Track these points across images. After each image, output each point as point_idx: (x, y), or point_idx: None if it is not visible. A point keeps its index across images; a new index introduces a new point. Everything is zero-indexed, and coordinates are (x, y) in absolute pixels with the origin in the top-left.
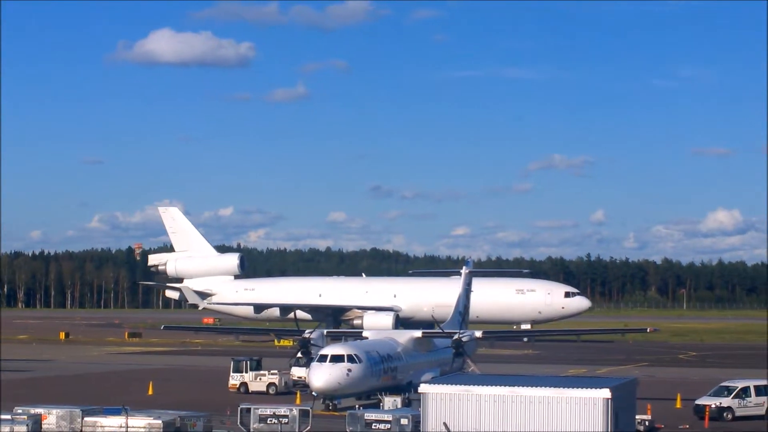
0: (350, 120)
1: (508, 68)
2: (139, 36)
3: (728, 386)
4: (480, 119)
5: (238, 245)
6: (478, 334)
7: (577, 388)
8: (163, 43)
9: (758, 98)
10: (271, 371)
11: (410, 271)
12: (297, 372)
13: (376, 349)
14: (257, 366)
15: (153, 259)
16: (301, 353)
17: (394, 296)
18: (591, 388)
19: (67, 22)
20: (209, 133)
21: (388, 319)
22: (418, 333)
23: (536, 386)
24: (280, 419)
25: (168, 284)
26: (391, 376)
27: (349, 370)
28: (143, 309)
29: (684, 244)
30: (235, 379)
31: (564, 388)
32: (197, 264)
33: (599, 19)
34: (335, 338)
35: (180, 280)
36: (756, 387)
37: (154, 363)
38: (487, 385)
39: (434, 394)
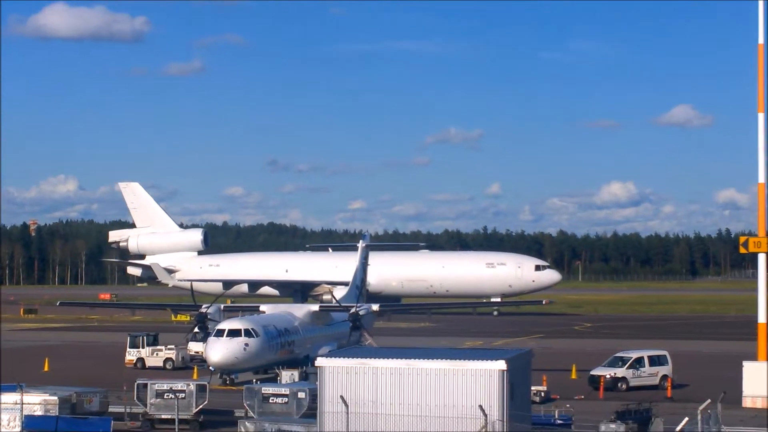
0: (246, 94)
1: (404, 41)
2: (32, 10)
3: (622, 357)
4: (376, 93)
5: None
6: (375, 307)
7: (473, 360)
8: (57, 18)
9: (647, 70)
10: (168, 346)
11: (307, 246)
12: (194, 347)
13: (274, 323)
14: (154, 341)
15: (113, 236)
16: (198, 328)
17: None
18: (487, 360)
19: None
20: (105, 107)
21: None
22: (315, 307)
23: (432, 359)
24: (177, 394)
25: (131, 260)
26: (288, 350)
27: (246, 345)
28: (39, 285)
29: (579, 216)
30: (131, 355)
31: (460, 360)
32: (160, 240)
33: None
34: (232, 313)
35: (142, 256)
36: (650, 357)
37: (50, 339)
38: (383, 358)
39: (331, 367)
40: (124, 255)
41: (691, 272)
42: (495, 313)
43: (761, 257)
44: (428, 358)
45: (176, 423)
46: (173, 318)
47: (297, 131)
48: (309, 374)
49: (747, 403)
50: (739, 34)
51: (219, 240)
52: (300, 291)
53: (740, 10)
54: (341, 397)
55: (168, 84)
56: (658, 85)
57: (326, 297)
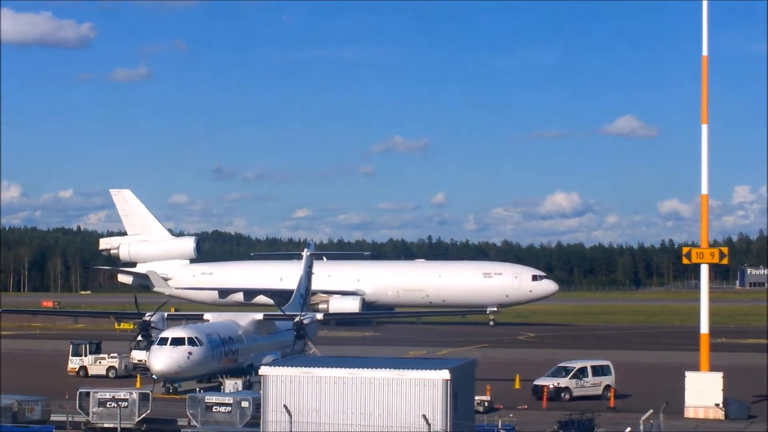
0: (191, 101)
1: (350, 48)
2: None
3: (566, 367)
4: (322, 100)
5: (78, 227)
6: (319, 316)
7: (417, 369)
8: (3, 24)
9: (592, 80)
10: (111, 354)
11: (252, 254)
12: (137, 355)
13: (217, 331)
14: (97, 349)
15: (104, 243)
16: (142, 336)
17: (358, 280)
18: (430, 369)
19: None
20: (50, 113)
21: (354, 303)
22: (259, 315)
23: (376, 368)
24: (120, 403)
25: (123, 268)
26: (232, 359)
27: (190, 353)
28: None
29: (523, 226)
30: (74, 363)
31: (404, 369)
32: (152, 248)
33: None
34: (176, 321)
35: (133, 264)
36: (593, 367)
37: None
38: (327, 367)
39: (275, 376)
40: (114, 263)
41: (635, 283)
42: (491, 323)
43: (704, 268)
44: (372, 368)
45: None
46: (116, 326)
47: (242, 139)
48: (253, 383)
49: (689, 413)
50: (684, 46)
51: None
52: None
53: (685, 22)
54: (285, 406)
55: (114, 90)
56: (603, 96)
57: (322, 306)
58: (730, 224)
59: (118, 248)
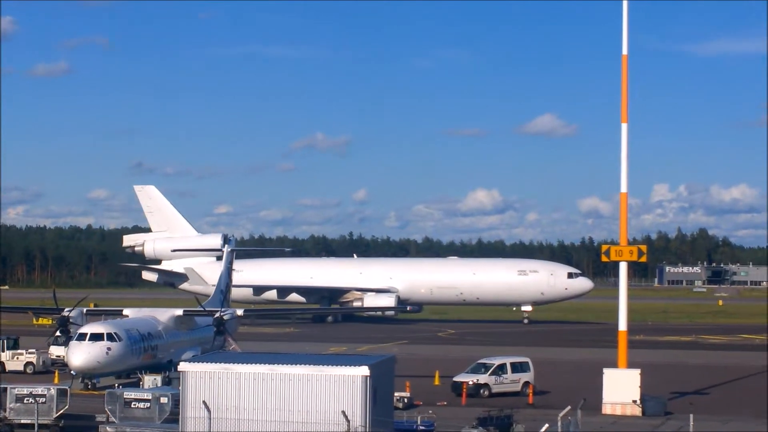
0: (111, 96)
1: (272, 47)
2: None
3: (485, 363)
4: (242, 97)
5: None
6: (240, 312)
7: (337, 365)
8: None
9: (511, 79)
10: (29, 350)
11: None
12: (56, 351)
13: (137, 327)
14: (14, 345)
15: (128, 240)
16: (60, 332)
17: (390, 278)
18: (350, 365)
19: None
20: None
21: (390, 300)
22: (179, 311)
23: (296, 364)
24: (37, 399)
25: (149, 266)
26: (151, 355)
27: (109, 349)
28: None
29: (444, 223)
30: None
31: (323, 365)
32: (178, 245)
33: None
34: (95, 317)
35: (158, 261)
36: (512, 364)
37: None
38: (246, 363)
39: (194, 372)
40: (141, 260)
41: None
42: (525, 320)
43: (622, 266)
44: (291, 364)
45: (36, 428)
46: (35, 321)
47: (163, 134)
48: (172, 379)
49: (607, 409)
50: (604, 44)
51: (82, 243)
52: (327, 298)
53: (605, 20)
54: (204, 402)
55: (33, 84)
56: (522, 94)
57: (356, 303)
58: (649, 222)
59: (143, 245)
